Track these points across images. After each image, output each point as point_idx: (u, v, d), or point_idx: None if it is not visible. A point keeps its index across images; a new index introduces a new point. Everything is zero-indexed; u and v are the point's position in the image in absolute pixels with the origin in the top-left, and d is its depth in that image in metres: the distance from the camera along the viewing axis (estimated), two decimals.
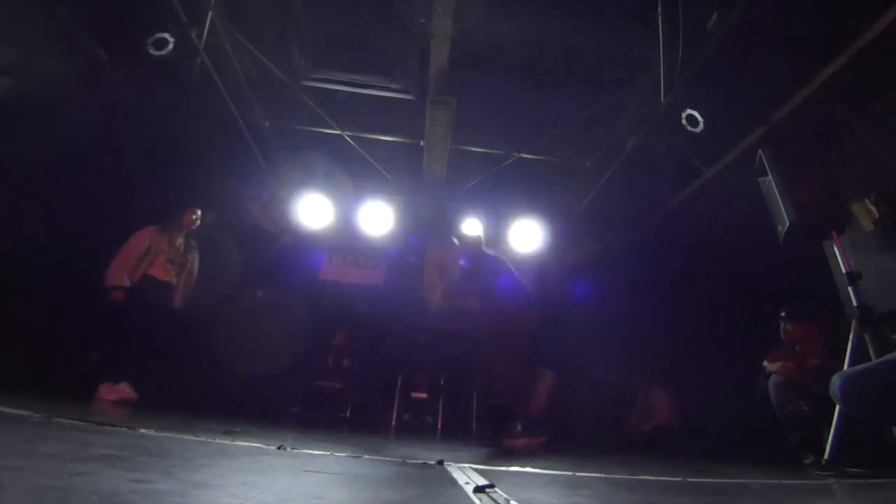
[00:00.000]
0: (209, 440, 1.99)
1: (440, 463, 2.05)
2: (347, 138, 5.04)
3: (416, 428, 5.08)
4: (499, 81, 4.49)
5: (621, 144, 4.65)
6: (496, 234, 5.30)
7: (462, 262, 3.63)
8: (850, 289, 2.67)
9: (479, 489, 1.48)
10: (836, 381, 1.63)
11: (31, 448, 1.38)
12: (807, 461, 2.86)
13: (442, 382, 5.32)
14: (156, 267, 3.87)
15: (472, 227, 3.86)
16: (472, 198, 5.42)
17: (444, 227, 3.90)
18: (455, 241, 3.84)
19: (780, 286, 4.37)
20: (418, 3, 3.59)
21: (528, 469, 2.14)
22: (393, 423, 5.06)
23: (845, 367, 2.52)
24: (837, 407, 2.36)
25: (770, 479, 2.33)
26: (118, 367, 3.60)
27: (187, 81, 3.91)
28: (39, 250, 4.00)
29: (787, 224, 2.78)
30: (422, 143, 4.95)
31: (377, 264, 6.48)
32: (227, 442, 2.01)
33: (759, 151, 3.07)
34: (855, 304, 2.62)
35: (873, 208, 2.86)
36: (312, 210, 5.45)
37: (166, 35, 3.46)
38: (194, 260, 4.19)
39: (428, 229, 5.94)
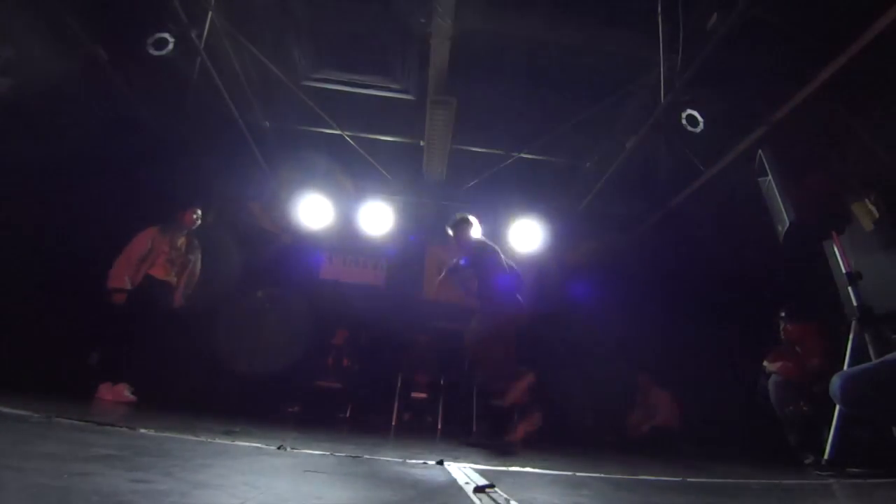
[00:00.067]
0: (209, 440, 1.99)
1: (440, 463, 2.05)
2: (347, 138, 5.04)
3: (416, 428, 5.08)
4: (499, 81, 4.49)
5: (621, 145, 4.65)
6: (496, 232, 5.30)
7: (462, 262, 3.62)
8: (850, 289, 2.67)
9: (479, 489, 1.48)
10: (836, 381, 1.63)
11: (31, 448, 1.38)
12: (807, 461, 2.87)
13: (442, 382, 5.32)
14: (156, 267, 3.87)
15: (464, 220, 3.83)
16: (472, 198, 5.42)
17: (444, 227, 3.88)
18: (449, 231, 3.81)
19: (780, 286, 4.37)
20: (418, 3, 3.58)
21: (528, 469, 2.14)
22: (393, 423, 5.06)
23: (845, 367, 2.52)
24: (837, 407, 2.36)
25: (770, 479, 2.33)
26: (118, 367, 3.60)
27: (187, 81, 3.91)
28: (39, 250, 4.01)
29: (787, 224, 2.78)
30: (422, 143, 4.95)
31: (377, 264, 6.49)
32: (227, 442, 2.01)
33: (759, 151, 3.07)
34: (855, 304, 2.62)
35: (873, 208, 2.86)
36: (312, 210, 5.46)
37: (166, 35, 3.45)
38: (196, 259, 4.19)
39: (428, 229, 5.94)
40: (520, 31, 3.97)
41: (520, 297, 3.54)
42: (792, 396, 3.16)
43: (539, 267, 6.01)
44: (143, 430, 2.00)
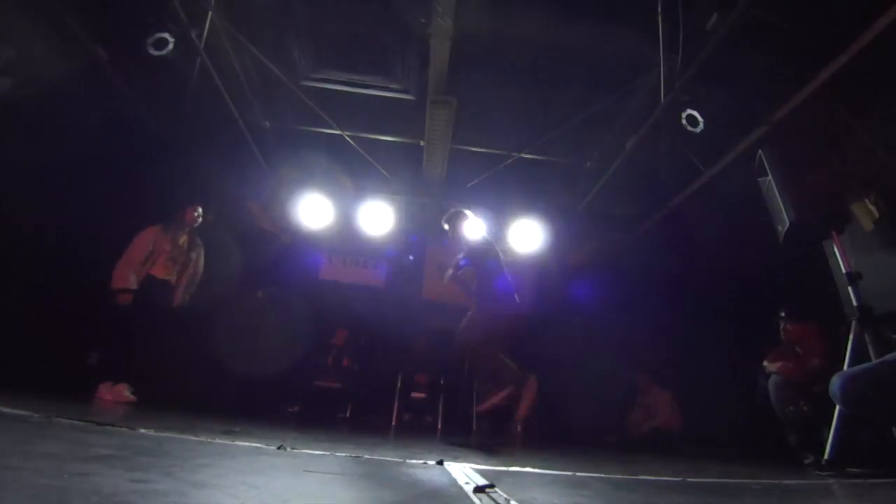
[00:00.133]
0: (209, 440, 1.99)
1: (440, 463, 2.05)
2: (347, 138, 5.04)
3: (416, 428, 5.08)
4: (499, 81, 4.48)
5: (621, 144, 4.65)
6: (496, 232, 5.30)
7: (462, 262, 3.62)
8: (850, 289, 2.67)
9: (479, 489, 1.48)
10: (835, 381, 1.62)
11: (31, 448, 1.38)
12: (807, 461, 2.87)
13: (442, 382, 5.32)
14: (158, 266, 3.87)
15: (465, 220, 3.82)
16: (473, 198, 5.42)
17: (444, 227, 3.88)
18: (444, 225, 3.81)
19: (780, 286, 4.37)
20: (418, 3, 3.58)
21: (528, 469, 2.14)
22: (393, 423, 5.06)
23: (845, 367, 2.52)
24: (837, 407, 2.36)
25: (770, 479, 2.33)
26: (118, 367, 3.60)
27: (187, 81, 3.91)
28: (39, 250, 4.01)
29: (787, 224, 2.78)
30: (422, 143, 4.95)
31: (377, 264, 6.49)
32: (226, 442, 2.01)
33: (759, 151, 3.07)
34: (855, 304, 2.62)
35: (873, 208, 2.86)
36: (312, 210, 5.45)
37: (166, 35, 3.45)
38: (198, 257, 4.19)
39: (428, 229, 5.95)
40: (520, 30, 3.97)
41: (517, 299, 3.54)
42: (792, 396, 3.16)
43: (539, 267, 6.02)
44: (142, 431, 2.00)
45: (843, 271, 2.72)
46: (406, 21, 3.81)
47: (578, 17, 3.81)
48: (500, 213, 5.56)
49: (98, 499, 0.93)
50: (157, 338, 3.84)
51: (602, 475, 2.13)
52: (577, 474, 2.08)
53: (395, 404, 5.23)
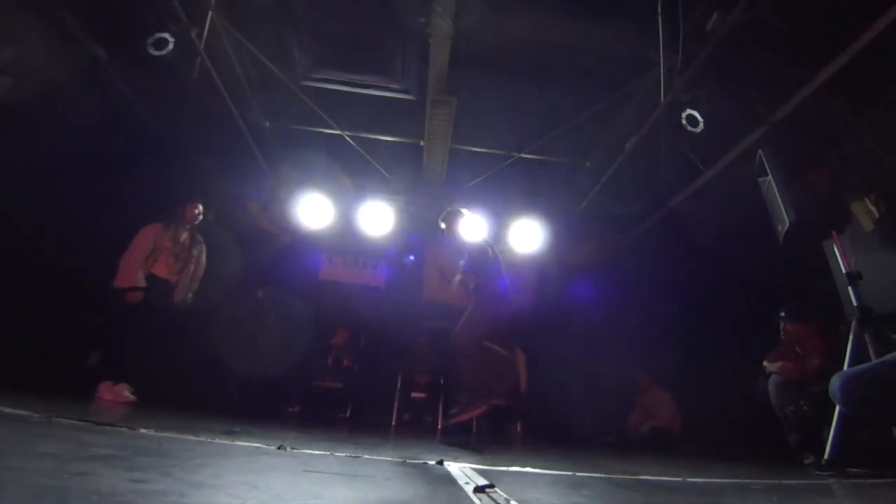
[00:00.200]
0: (209, 440, 1.99)
1: (440, 463, 2.05)
2: (347, 138, 5.04)
3: (416, 428, 5.08)
4: (499, 81, 4.48)
5: (621, 144, 4.65)
6: (496, 232, 5.31)
7: (464, 268, 3.65)
8: (850, 289, 2.67)
9: (479, 489, 1.48)
10: (835, 381, 1.62)
11: (31, 448, 1.38)
12: (807, 461, 2.86)
13: (442, 382, 5.32)
14: (159, 264, 3.86)
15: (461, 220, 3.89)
16: (473, 198, 5.42)
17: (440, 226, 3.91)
18: (441, 224, 3.86)
19: (780, 286, 4.37)
20: (418, 2, 3.58)
21: (528, 469, 2.14)
22: (393, 423, 5.07)
23: (845, 367, 2.52)
24: (837, 407, 2.36)
25: (770, 479, 2.33)
26: (118, 367, 3.60)
27: (187, 81, 3.90)
28: (39, 250, 4.01)
29: (787, 224, 2.78)
30: (422, 143, 4.95)
31: (377, 264, 6.49)
32: (226, 442, 2.01)
33: (759, 151, 3.07)
34: (855, 304, 2.62)
35: (873, 208, 2.87)
36: (312, 210, 5.45)
37: (166, 35, 3.45)
38: (200, 253, 4.18)
39: (428, 229, 5.94)
40: (520, 30, 3.97)
41: (513, 301, 3.62)
42: (792, 396, 3.16)
43: (539, 267, 6.02)
44: (142, 430, 2.00)
45: (843, 271, 2.72)
46: (406, 21, 3.81)
47: (578, 16, 3.81)
48: (500, 213, 5.56)
49: (98, 499, 0.93)
50: (157, 338, 3.83)
51: (602, 475, 2.13)
52: (577, 474, 2.08)
53: (395, 404, 5.24)
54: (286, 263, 6.04)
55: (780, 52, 3.22)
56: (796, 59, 3.19)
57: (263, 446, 1.99)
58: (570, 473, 2.10)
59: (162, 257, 3.87)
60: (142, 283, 3.70)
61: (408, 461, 2.06)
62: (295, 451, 1.98)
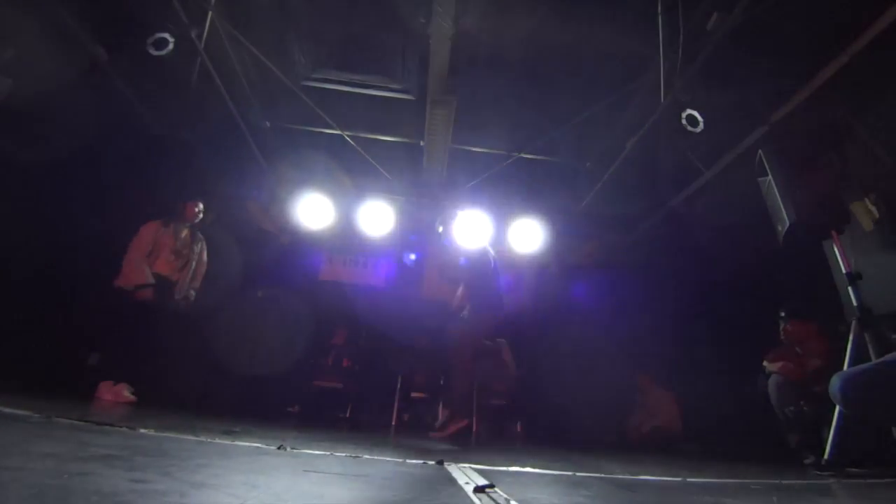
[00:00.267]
0: (209, 440, 1.99)
1: (440, 463, 2.05)
2: (347, 138, 5.04)
3: (416, 428, 5.08)
4: (499, 81, 4.48)
5: (621, 144, 4.65)
6: (496, 232, 5.32)
7: (462, 262, 3.71)
8: (850, 289, 2.67)
9: (479, 489, 1.48)
10: (835, 382, 1.63)
11: (31, 448, 1.38)
12: (807, 461, 2.87)
13: (442, 382, 5.31)
14: (160, 261, 3.86)
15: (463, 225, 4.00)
16: (473, 198, 5.42)
17: (438, 230, 3.98)
18: (438, 228, 3.97)
19: (780, 286, 4.37)
20: (418, 3, 3.58)
21: (528, 469, 2.14)
22: (393, 423, 5.06)
23: (845, 367, 2.52)
24: (837, 407, 2.36)
25: (770, 479, 2.33)
26: (118, 367, 3.60)
27: (187, 81, 3.90)
28: (39, 250, 4.01)
29: (787, 224, 2.78)
30: (422, 143, 4.94)
31: (377, 264, 6.49)
32: (226, 442, 2.01)
33: (759, 151, 3.07)
34: (855, 304, 2.62)
35: (873, 208, 2.87)
36: (312, 210, 5.45)
37: (166, 35, 3.45)
38: (202, 250, 4.18)
39: (428, 229, 5.94)
40: (520, 30, 3.97)
41: (505, 302, 3.77)
42: (792, 396, 3.16)
43: (539, 267, 6.01)
44: (142, 430, 2.00)
45: (843, 271, 2.72)
46: (406, 21, 3.81)
47: (578, 16, 3.81)
48: (500, 213, 5.56)
49: (98, 499, 0.93)
50: (157, 337, 3.83)
51: (602, 475, 2.13)
52: (577, 474, 2.08)
53: (395, 404, 5.23)
54: (286, 263, 6.04)
55: (780, 52, 3.22)
56: (796, 59, 3.19)
57: (263, 446, 1.99)
58: (570, 473, 2.10)
59: (163, 255, 3.87)
60: (150, 279, 3.70)
61: (408, 461, 2.06)
62: (295, 451, 1.98)
